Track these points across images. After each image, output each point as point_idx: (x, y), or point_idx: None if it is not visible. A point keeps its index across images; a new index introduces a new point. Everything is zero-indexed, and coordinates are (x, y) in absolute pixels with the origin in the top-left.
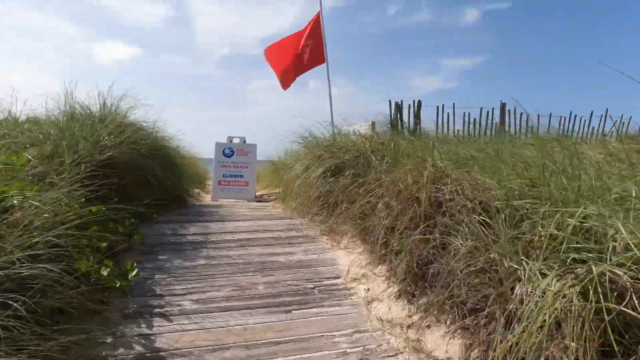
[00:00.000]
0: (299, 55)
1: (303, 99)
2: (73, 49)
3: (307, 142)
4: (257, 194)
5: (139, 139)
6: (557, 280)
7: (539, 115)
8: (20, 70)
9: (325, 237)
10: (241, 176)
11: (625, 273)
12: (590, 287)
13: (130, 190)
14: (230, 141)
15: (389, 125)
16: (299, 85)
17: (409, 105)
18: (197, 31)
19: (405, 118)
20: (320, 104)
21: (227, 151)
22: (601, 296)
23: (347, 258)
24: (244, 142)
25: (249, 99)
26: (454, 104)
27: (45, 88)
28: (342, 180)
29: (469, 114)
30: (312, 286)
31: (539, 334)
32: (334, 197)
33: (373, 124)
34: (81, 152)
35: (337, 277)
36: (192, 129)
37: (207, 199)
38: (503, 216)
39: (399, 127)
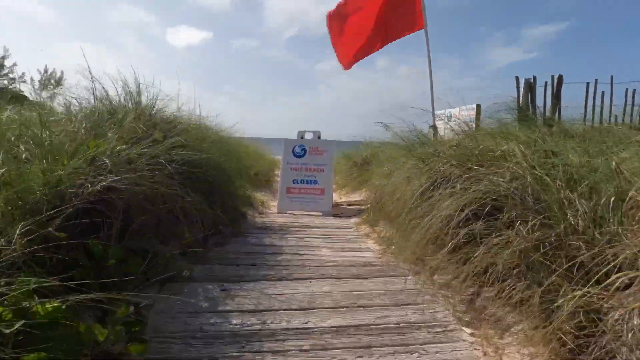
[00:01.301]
0: (382, 22)
1: (371, 79)
2: (148, 35)
3: (408, 142)
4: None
5: (170, 149)
6: None
7: None
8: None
9: (469, 331)
10: (315, 182)
11: None
12: None
13: (147, 236)
14: (302, 137)
15: (516, 111)
16: (365, 63)
17: (545, 84)
18: (265, 13)
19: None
20: (390, 84)
21: (298, 150)
22: None
23: None
24: (319, 137)
25: (317, 80)
26: (611, 77)
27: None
28: (502, 231)
29: (634, 91)
30: None
31: None
32: (494, 265)
33: (478, 108)
34: (61, 181)
35: None
36: (259, 112)
37: (272, 208)
38: None
39: (531, 112)
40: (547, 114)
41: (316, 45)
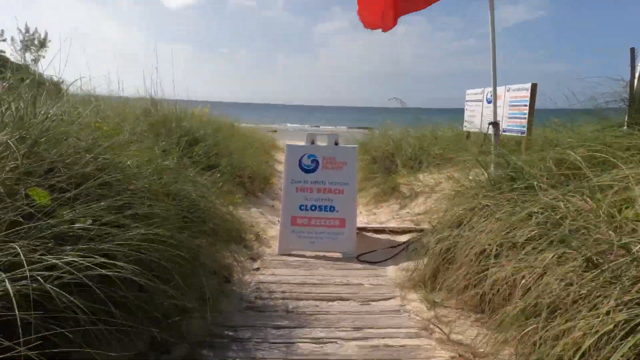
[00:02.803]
0: None
1: (370, 40)
2: None
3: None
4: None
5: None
6: None
7: None
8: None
9: None
10: (331, 208)
11: None
12: None
13: None
14: (312, 142)
15: (627, 103)
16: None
17: None
18: None
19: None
20: (389, 45)
21: (307, 162)
22: None
23: None
24: (336, 143)
25: (315, 42)
26: None
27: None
28: None
29: None
30: None
31: None
32: None
33: (534, 88)
34: None
35: None
36: (256, 75)
37: (272, 241)
38: None
39: None
40: None
41: (315, 6)
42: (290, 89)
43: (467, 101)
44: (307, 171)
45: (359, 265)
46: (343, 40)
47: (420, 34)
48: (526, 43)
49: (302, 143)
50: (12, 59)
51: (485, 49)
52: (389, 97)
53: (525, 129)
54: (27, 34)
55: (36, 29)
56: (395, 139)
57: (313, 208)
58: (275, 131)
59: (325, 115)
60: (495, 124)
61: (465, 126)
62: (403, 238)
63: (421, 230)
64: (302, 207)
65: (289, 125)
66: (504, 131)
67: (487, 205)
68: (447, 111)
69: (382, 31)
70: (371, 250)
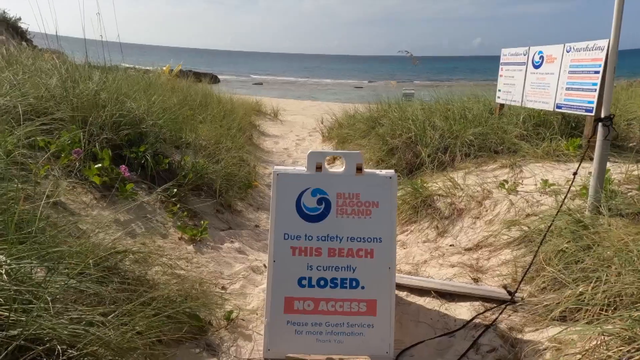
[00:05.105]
0: None
1: None
2: None
3: None
4: None
5: None
6: None
7: None
8: None
9: None
10: (354, 284)
11: None
12: None
13: None
14: (318, 167)
15: None
16: None
17: None
18: None
19: None
20: None
21: (311, 203)
22: None
23: None
24: (359, 168)
25: None
26: None
27: None
28: None
29: None
30: None
31: None
32: None
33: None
34: None
35: None
36: (239, 19)
37: (255, 323)
38: None
39: None
40: None
41: None
42: (277, 36)
43: (502, 63)
44: (310, 219)
45: None
46: None
47: None
48: None
49: (300, 167)
50: None
51: None
52: (397, 49)
53: (594, 105)
54: None
55: None
56: (417, 120)
57: (322, 283)
58: (262, 84)
59: (323, 66)
60: (606, 120)
61: (498, 97)
62: (461, 310)
63: (494, 301)
64: (304, 282)
65: (277, 78)
66: (559, 107)
67: None
68: (450, 59)
69: None
70: (415, 343)
